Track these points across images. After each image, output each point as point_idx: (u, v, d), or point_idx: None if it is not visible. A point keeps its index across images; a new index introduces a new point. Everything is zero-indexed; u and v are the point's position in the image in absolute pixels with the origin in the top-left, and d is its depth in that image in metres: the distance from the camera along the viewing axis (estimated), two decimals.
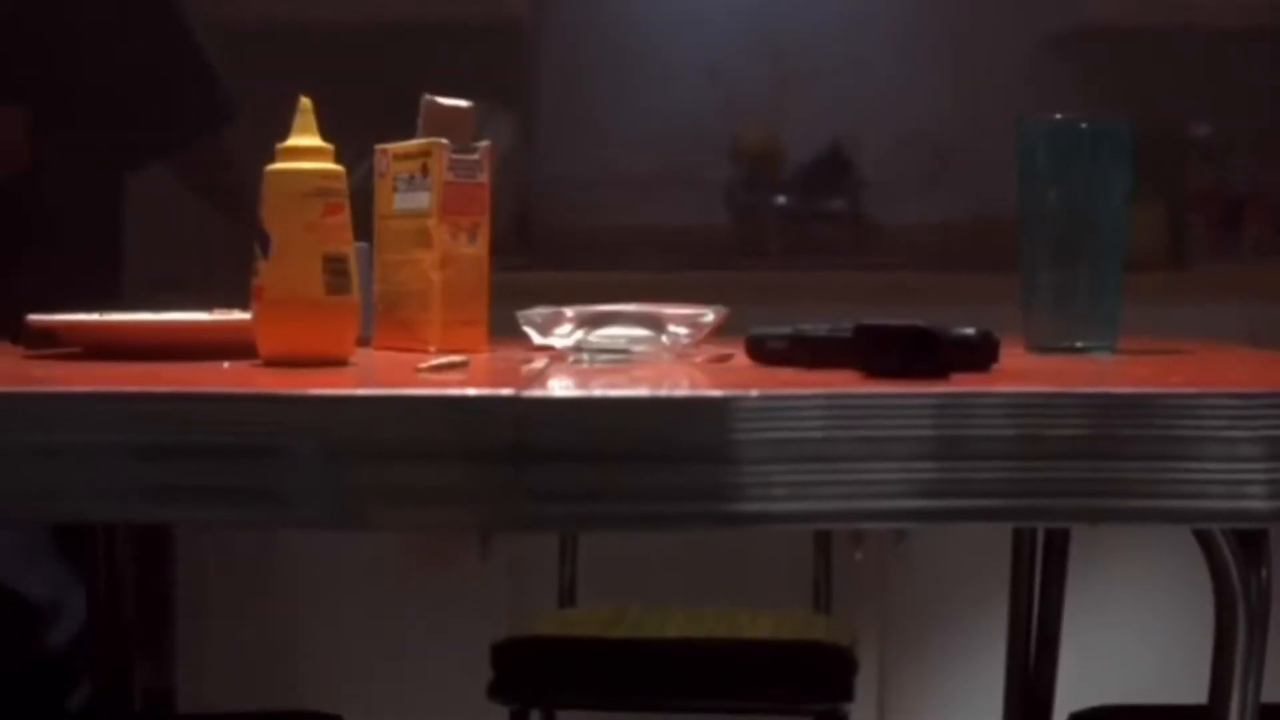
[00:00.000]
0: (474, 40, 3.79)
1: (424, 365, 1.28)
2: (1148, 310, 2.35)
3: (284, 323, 1.32)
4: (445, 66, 3.72)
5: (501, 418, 1.03)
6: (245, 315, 1.53)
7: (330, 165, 1.35)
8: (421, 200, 1.59)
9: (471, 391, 1.04)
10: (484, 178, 1.61)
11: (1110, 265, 1.56)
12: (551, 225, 3.79)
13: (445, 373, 1.26)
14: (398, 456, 1.03)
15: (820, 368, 1.26)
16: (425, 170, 1.59)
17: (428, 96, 1.64)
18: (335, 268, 1.32)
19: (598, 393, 1.07)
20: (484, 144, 1.62)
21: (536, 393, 1.04)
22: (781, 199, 3.83)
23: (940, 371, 1.20)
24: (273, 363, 1.33)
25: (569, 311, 1.41)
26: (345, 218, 1.35)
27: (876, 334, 1.20)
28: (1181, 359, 1.57)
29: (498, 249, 3.71)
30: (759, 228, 3.86)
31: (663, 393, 1.07)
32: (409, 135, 1.63)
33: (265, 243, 1.32)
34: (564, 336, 1.41)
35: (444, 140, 1.59)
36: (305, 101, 1.36)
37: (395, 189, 1.63)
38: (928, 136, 3.91)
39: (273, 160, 1.36)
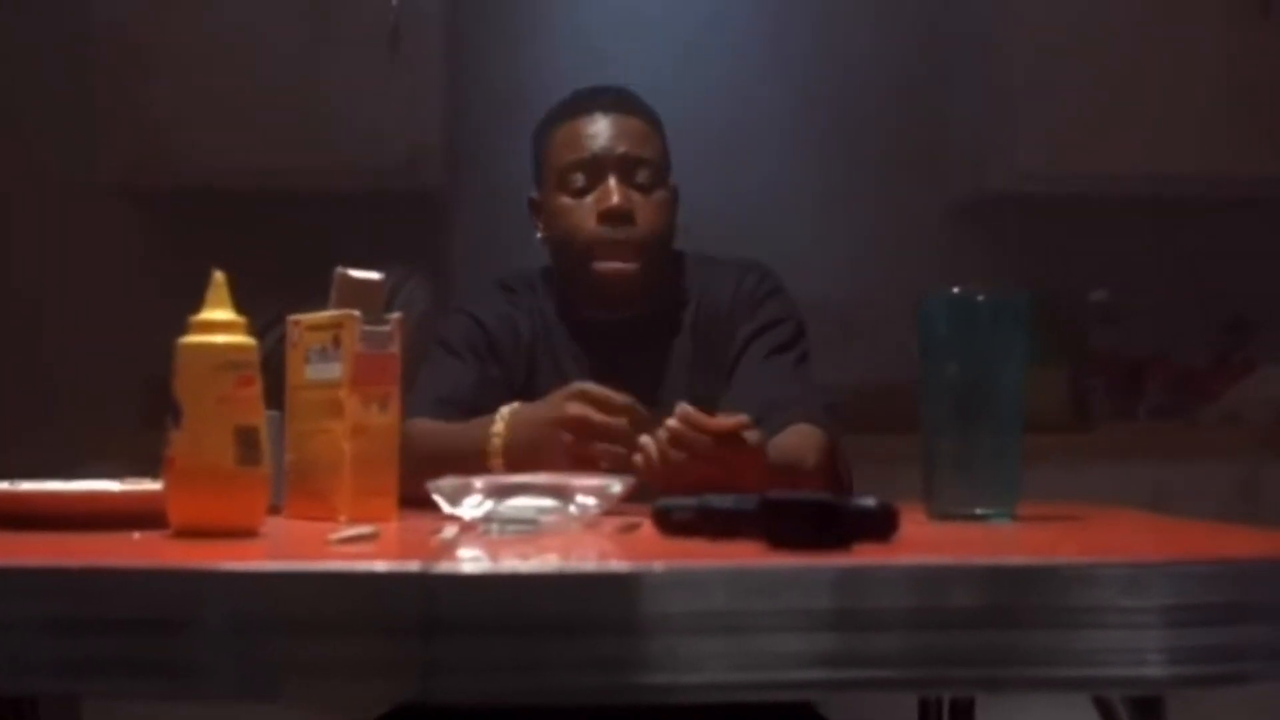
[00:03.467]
0: (390, 207, 3.84)
1: (335, 537, 1.29)
2: (1052, 472, 2.42)
3: (195, 493, 1.33)
4: (361, 233, 3.77)
5: (410, 592, 1.04)
6: (155, 485, 1.54)
7: (242, 339, 1.37)
8: (333, 371, 1.61)
9: (380, 567, 1.06)
10: (395, 348, 1.63)
11: (1009, 433, 1.60)
12: None
13: (356, 544, 1.27)
14: (308, 630, 1.04)
15: (726, 538, 1.28)
16: (337, 341, 1.61)
17: (340, 269, 1.67)
18: (247, 439, 1.34)
19: (506, 567, 1.08)
20: (395, 315, 1.65)
21: (445, 567, 1.06)
22: None
23: (843, 542, 1.22)
24: (183, 533, 1.34)
25: (478, 482, 1.42)
26: (257, 390, 1.36)
27: (780, 507, 1.23)
28: (1079, 525, 1.60)
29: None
30: None
31: (570, 566, 1.09)
32: (325, 301, 1.65)
33: (177, 413, 1.33)
34: (474, 507, 1.42)
35: (356, 312, 1.61)
36: (219, 275, 1.39)
37: (307, 359, 1.65)
38: (835, 304, 3.97)
39: (189, 332, 1.38)
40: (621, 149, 2.19)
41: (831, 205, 4.02)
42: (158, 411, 1.39)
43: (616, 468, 1.77)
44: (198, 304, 1.40)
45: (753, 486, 1.67)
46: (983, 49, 3.88)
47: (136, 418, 3.48)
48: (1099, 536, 1.52)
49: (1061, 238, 4.00)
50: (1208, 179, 3.78)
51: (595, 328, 2.25)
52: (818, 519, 1.22)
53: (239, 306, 1.41)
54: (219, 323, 1.37)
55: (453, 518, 1.48)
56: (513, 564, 1.09)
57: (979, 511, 1.57)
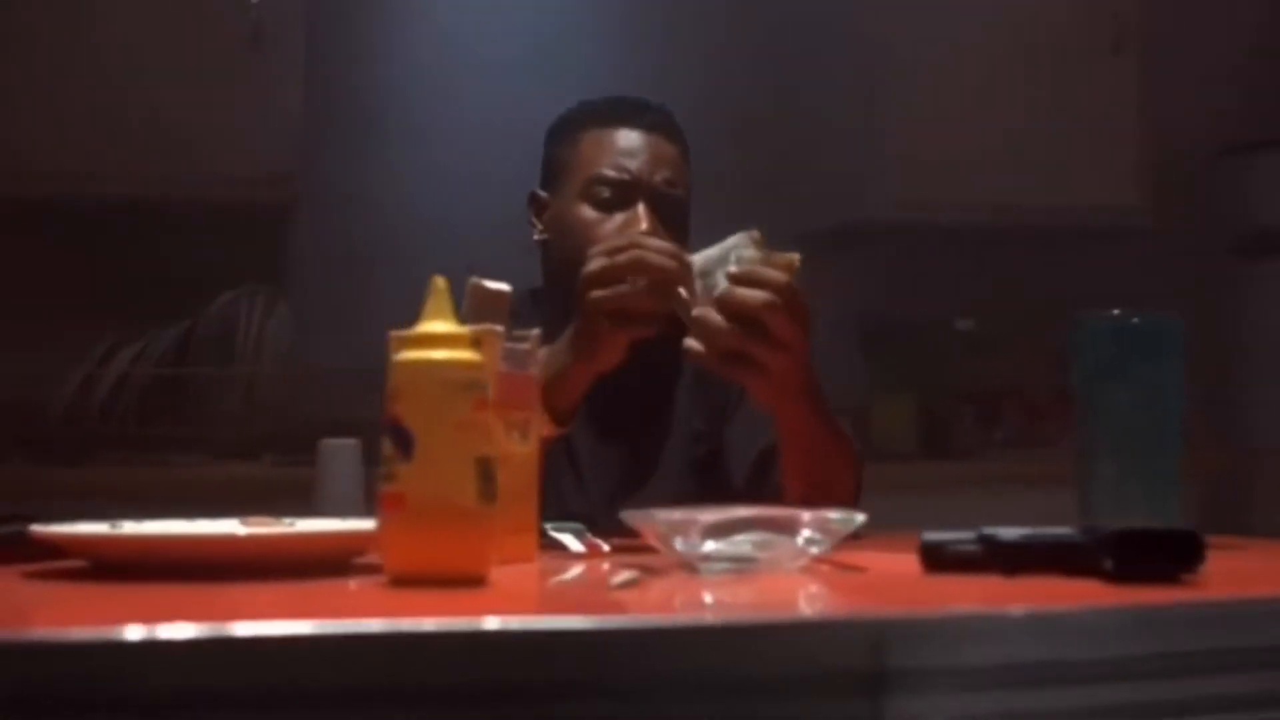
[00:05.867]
0: (235, 228, 3.60)
1: (615, 581, 1.13)
2: (904, 500, 2.40)
3: (429, 536, 1.14)
4: (211, 247, 3.53)
5: (858, 642, 0.90)
6: (283, 527, 1.35)
7: (472, 355, 1.20)
8: None
9: (831, 615, 0.92)
10: (534, 368, 1.47)
11: (1170, 457, 1.54)
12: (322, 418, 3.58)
13: (629, 589, 1.12)
14: (747, 689, 0.89)
15: (1021, 574, 1.18)
16: None
17: (473, 279, 1.50)
18: (486, 472, 1.16)
19: (955, 613, 0.95)
20: (534, 332, 1.49)
21: (895, 613, 0.92)
22: None
23: (1174, 575, 1.13)
24: (404, 580, 1.16)
25: (703, 516, 1.28)
26: (488, 415, 1.19)
27: (1133, 538, 1.13)
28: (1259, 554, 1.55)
29: (276, 448, 3.47)
30: None
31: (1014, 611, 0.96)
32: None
33: (406, 442, 1.15)
34: (693, 544, 1.28)
35: (498, 327, 1.45)
36: (439, 281, 1.21)
37: None
38: None
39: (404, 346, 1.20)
40: (659, 176, 2.05)
41: (697, 234, 3.93)
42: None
43: (657, 312, 1.67)
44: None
45: (803, 351, 1.61)
46: (853, 78, 3.86)
47: None
48: None
49: (928, 266, 4.00)
50: (1058, 209, 3.83)
51: None
52: (1171, 550, 1.12)
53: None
54: (441, 336, 1.19)
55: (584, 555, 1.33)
56: (961, 609, 0.96)
57: None
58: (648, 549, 1.46)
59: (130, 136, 3.33)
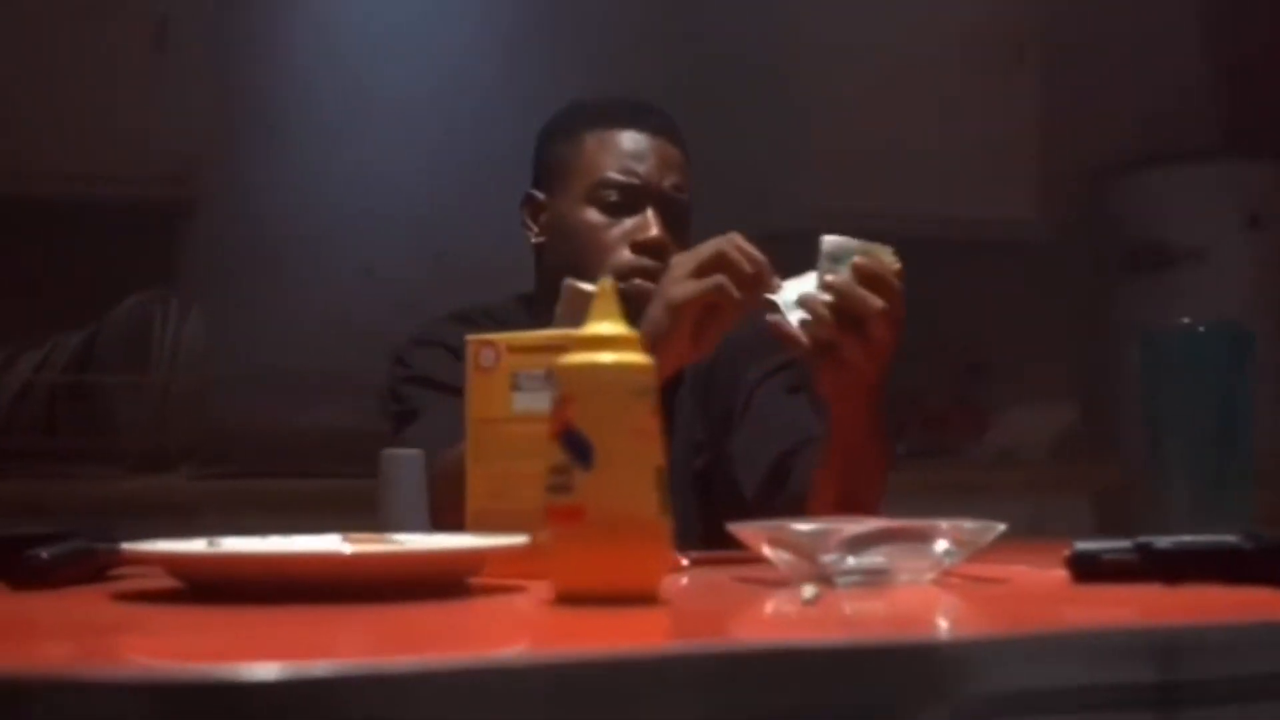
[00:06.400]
0: (137, 229, 3.46)
1: (806, 596, 1.09)
2: None
3: (611, 551, 1.09)
4: (112, 257, 3.39)
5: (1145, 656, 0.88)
6: (393, 545, 1.28)
7: (646, 358, 1.14)
8: None
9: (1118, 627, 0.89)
10: None
11: (1244, 464, 1.56)
12: (242, 428, 3.46)
13: (815, 606, 1.08)
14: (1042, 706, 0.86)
15: (1183, 583, 1.16)
16: None
17: (568, 280, 1.44)
18: (662, 483, 1.12)
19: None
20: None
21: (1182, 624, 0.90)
22: None
23: None
24: (573, 599, 1.10)
25: (845, 529, 1.24)
26: (658, 422, 1.14)
27: None
28: None
29: (193, 459, 3.34)
30: None
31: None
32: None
33: (584, 451, 1.09)
34: (836, 557, 1.24)
35: None
36: (607, 283, 1.15)
37: (515, 386, 1.41)
38: None
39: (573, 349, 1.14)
40: (668, 182, 2.01)
41: None
42: None
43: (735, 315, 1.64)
44: None
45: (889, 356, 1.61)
46: (768, 87, 3.86)
47: None
48: None
49: None
50: (958, 220, 3.87)
51: None
52: None
53: None
54: (613, 338, 1.13)
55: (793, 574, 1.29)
56: (1241, 620, 0.94)
57: None
58: (725, 560, 1.42)
59: (31, 135, 3.19)
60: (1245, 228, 3.96)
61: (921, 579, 1.27)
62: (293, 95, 3.67)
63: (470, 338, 1.45)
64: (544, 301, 2.07)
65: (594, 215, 2.00)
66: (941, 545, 1.27)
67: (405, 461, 1.47)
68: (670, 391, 2.07)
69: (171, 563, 1.22)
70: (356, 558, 1.21)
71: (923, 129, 3.79)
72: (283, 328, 3.62)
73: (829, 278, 1.60)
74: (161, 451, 3.04)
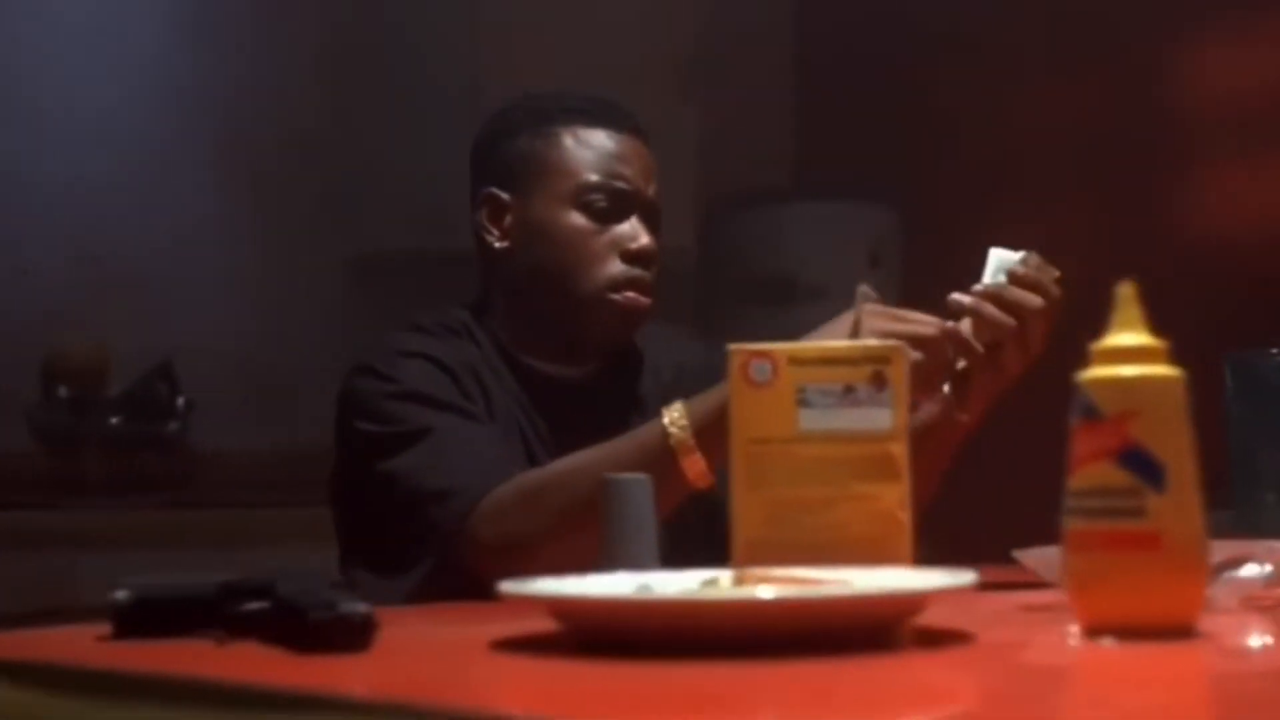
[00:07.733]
0: None
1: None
2: None
3: (1178, 579, 1.02)
4: None
5: None
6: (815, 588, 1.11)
7: (1176, 370, 1.06)
8: (877, 419, 1.27)
9: None
10: None
11: None
12: None
13: None
14: None
15: None
16: (881, 380, 1.27)
17: (863, 287, 1.32)
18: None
19: None
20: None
21: None
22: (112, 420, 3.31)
23: None
24: (1107, 632, 1.01)
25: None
26: None
27: None
28: None
29: None
30: (75, 458, 3.30)
31: None
32: None
33: (1155, 472, 1.00)
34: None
35: (899, 341, 1.29)
36: (1127, 289, 1.06)
37: (803, 403, 1.28)
38: (249, 359, 3.59)
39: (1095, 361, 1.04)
40: (651, 190, 1.92)
41: (244, 257, 3.65)
42: None
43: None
44: None
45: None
46: (417, 107, 3.72)
47: None
48: None
49: (440, 296, 3.89)
50: None
51: (544, 380, 1.91)
52: None
53: None
54: (1147, 349, 1.04)
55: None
56: None
57: None
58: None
59: None
60: (867, 266, 4.13)
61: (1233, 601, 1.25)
62: None
63: (736, 347, 1.30)
64: (511, 312, 1.90)
65: (579, 220, 1.87)
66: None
67: (633, 487, 1.31)
68: (619, 402, 1.92)
69: (585, 610, 1.04)
70: (784, 604, 1.06)
71: None
72: None
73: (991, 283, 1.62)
74: None
